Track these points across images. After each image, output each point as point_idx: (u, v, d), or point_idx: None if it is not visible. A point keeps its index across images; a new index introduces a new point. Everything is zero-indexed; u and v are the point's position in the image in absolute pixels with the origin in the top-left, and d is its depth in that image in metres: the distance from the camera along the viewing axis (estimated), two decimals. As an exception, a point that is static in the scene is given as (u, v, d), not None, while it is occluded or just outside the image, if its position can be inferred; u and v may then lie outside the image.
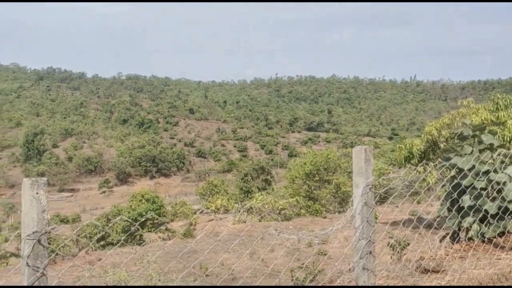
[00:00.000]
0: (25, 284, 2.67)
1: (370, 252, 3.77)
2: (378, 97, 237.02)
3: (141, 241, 26.63)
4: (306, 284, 6.63)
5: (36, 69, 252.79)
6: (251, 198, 41.12)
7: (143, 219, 28.76)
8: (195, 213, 42.30)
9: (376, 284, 3.83)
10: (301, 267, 7.88)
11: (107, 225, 25.29)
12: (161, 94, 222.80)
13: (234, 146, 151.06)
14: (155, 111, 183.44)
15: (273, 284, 6.94)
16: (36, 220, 2.71)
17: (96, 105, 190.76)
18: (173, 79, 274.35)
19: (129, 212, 37.60)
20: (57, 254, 14.11)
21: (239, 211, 27.32)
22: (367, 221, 3.76)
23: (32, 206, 2.71)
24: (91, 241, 23.32)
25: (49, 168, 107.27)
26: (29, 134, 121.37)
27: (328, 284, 4.55)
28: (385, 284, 4.25)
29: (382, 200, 19.01)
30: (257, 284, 7.11)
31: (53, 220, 52.04)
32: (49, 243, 2.86)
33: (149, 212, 39.02)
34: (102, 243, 25.59)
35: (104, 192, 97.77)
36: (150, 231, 33.83)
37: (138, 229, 26.87)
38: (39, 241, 2.71)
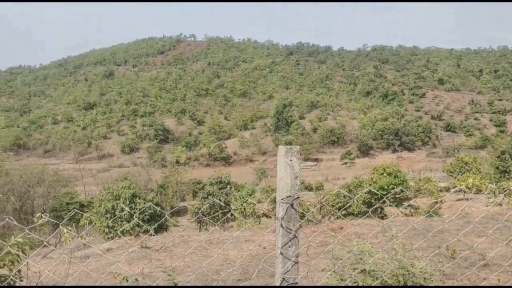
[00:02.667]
0: (279, 244, 2.97)
1: None
2: None
3: (382, 215, 26.75)
4: None
5: (287, 44, 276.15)
6: (508, 179, 36.64)
7: (390, 194, 28.70)
8: (441, 191, 40.06)
9: None
10: None
11: (350, 196, 26.15)
12: (407, 64, 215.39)
13: (490, 120, 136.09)
14: (400, 82, 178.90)
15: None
16: (290, 185, 2.96)
17: (341, 78, 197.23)
18: (421, 48, 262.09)
19: (370, 184, 38.08)
20: (308, 220, 15.31)
21: (494, 192, 24.63)
22: None
23: (286, 172, 2.96)
24: (334, 209, 24.55)
25: (295, 138, 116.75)
26: (279, 106, 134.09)
27: None
28: None
29: None
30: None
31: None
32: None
33: (390, 185, 38.73)
34: (343, 212, 26.68)
35: (345, 163, 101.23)
36: (391, 206, 33.58)
37: (384, 202, 26.98)
38: (291, 205, 2.95)
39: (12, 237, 4.07)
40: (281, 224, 2.93)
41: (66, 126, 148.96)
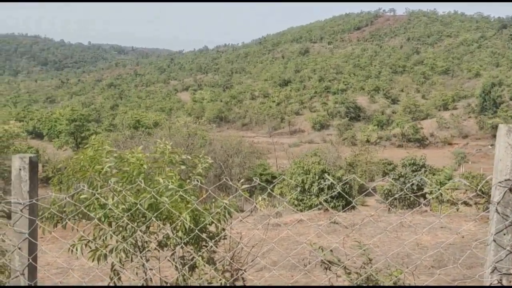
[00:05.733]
0: (492, 230, 2.71)
1: None
2: None
3: None
4: None
5: (500, 17, 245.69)
6: None
7: None
8: None
9: None
10: None
11: None
12: None
13: None
14: None
15: None
16: (510, 168, 2.66)
17: None
18: None
19: None
20: None
21: None
22: None
23: (507, 153, 2.66)
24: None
25: (504, 121, 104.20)
26: (487, 85, 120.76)
27: None
28: None
29: None
30: None
31: None
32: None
33: None
34: None
35: None
36: None
37: None
38: (510, 189, 2.65)
39: (219, 199, 4.56)
40: (496, 209, 2.67)
41: (262, 101, 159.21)
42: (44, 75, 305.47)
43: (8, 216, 4.84)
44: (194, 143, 45.18)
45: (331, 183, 23.41)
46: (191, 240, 4.30)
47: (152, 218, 3.98)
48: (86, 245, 4.30)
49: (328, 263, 3.76)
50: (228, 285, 4.01)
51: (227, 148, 49.93)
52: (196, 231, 4.04)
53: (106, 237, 4.32)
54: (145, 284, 4.56)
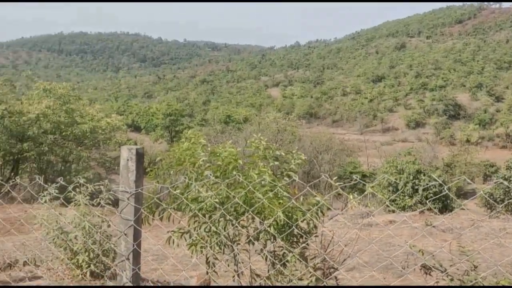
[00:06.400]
0: None
1: None
2: None
3: None
4: None
5: None
6: None
7: None
8: None
9: None
10: None
11: None
12: None
13: None
14: None
15: None
16: None
17: None
18: None
19: None
20: None
21: None
22: None
23: None
24: None
25: None
26: None
27: None
28: None
29: None
30: None
31: None
32: None
33: None
34: None
35: None
36: None
37: None
38: None
39: (313, 197, 4.54)
40: None
41: (354, 98, 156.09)
42: (143, 71, 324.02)
43: (112, 204, 5.22)
44: (283, 139, 45.46)
45: (426, 184, 22.41)
46: (282, 236, 4.34)
47: (249, 211, 4.06)
48: (182, 236, 4.51)
49: (429, 267, 3.60)
50: (319, 284, 3.99)
51: (316, 144, 49.64)
52: (293, 226, 4.07)
53: (200, 229, 4.49)
54: (236, 277, 4.67)
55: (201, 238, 4.50)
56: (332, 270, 4.30)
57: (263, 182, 4.27)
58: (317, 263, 4.30)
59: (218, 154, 4.73)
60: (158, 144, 77.88)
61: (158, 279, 5.72)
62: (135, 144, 57.32)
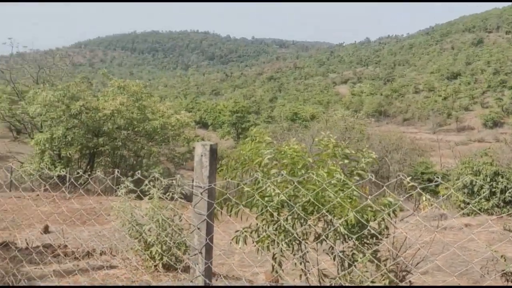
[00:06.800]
0: None
1: None
2: None
3: None
4: None
5: None
6: None
7: None
8: None
9: None
10: None
11: None
12: None
13: None
14: None
15: None
16: None
17: None
18: None
19: None
20: None
21: None
22: None
23: None
24: None
25: None
26: None
27: None
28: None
29: None
30: None
31: None
32: None
33: None
34: None
35: None
36: None
37: None
38: None
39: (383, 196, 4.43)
40: None
41: (427, 95, 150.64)
42: (211, 69, 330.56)
43: (183, 198, 5.37)
44: (351, 137, 44.71)
45: (504, 186, 21.18)
46: (354, 236, 4.26)
47: (323, 210, 4.01)
48: (250, 234, 4.55)
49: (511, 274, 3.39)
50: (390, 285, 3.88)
51: (386, 143, 48.38)
52: (368, 226, 3.99)
53: (268, 227, 4.51)
54: (304, 276, 4.65)
55: (269, 236, 4.52)
56: (405, 273, 4.17)
57: (333, 181, 4.21)
58: (390, 266, 4.18)
59: (283, 152, 4.72)
60: (225, 140, 79.21)
61: (227, 274, 5.81)
62: (202, 140, 58.59)
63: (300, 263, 4.66)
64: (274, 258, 4.61)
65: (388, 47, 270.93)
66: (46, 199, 16.55)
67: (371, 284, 3.98)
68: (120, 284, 4.54)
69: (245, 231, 4.48)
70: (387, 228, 4.42)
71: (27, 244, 6.64)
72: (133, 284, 4.56)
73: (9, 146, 44.64)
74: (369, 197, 3.14)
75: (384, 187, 2.86)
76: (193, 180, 2.71)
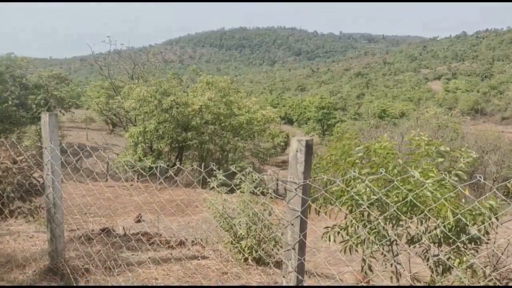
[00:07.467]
0: None
1: None
2: None
3: None
4: None
5: None
6: None
7: None
8: None
9: None
10: None
11: None
12: None
13: None
14: None
15: None
16: None
17: None
18: None
19: None
20: None
21: None
22: None
23: None
24: None
25: None
26: None
27: None
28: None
29: None
30: None
31: None
32: None
33: None
34: None
35: None
36: None
37: None
38: None
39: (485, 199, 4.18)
40: None
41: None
42: (297, 65, 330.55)
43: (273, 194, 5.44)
44: (444, 136, 42.63)
45: None
46: (449, 240, 4.07)
47: (425, 211, 3.88)
48: (339, 232, 4.52)
49: None
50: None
51: (482, 143, 45.61)
52: (470, 229, 3.80)
53: (358, 227, 4.44)
54: (394, 278, 4.53)
55: (358, 237, 4.45)
56: (507, 280, 3.92)
57: (429, 181, 4.05)
58: (490, 273, 3.95)
59: (373, 150, 4.61)
60: (310, 137, 78.85)
61: (315, 272, 5.81)
62: (287, 136, 58.80)
63: (391, 265, 4.54)
64: (363, 259, 4.54)
65: (487, 41, 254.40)
66: (139, 189, 17.53)
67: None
68: (212, 274, 4.71)
69: (336, 229, 4.45)
70: (487, 233, 4.18)
71: (125, 231, 7.09)
72: (224, 276, 4.70)
73: (106, 138, 47.85)
74: (477, 200, 2.98)
75: (494, 189, 2.70)
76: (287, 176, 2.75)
